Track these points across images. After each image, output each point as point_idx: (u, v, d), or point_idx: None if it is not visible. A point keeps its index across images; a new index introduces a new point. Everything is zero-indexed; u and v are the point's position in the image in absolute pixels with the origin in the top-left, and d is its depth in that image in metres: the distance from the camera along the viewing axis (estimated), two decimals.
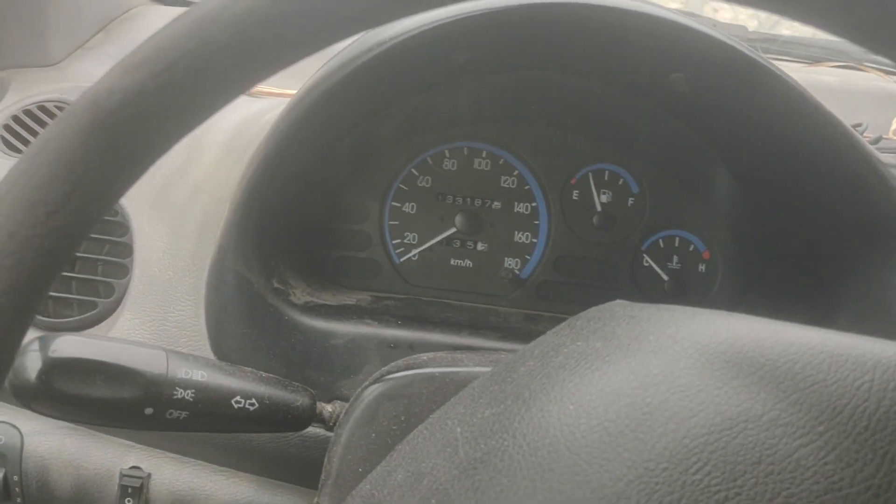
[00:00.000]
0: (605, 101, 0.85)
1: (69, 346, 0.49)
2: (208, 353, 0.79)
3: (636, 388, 0.39)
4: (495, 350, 0.78)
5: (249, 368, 0.58)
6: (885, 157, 0.83)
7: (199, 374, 0.53)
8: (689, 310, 0.44)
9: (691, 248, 0.96)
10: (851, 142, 0.67)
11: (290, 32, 0.32)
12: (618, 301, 0.50)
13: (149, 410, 0.51)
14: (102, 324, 0.87)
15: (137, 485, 0.83)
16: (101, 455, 0.85)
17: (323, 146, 0.84)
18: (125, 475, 0.83)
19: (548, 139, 0.95)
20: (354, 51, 0.68)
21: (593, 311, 0.49)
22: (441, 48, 0.69)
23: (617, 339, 0.44)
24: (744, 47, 0.64)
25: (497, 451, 0.41)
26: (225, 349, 0.78)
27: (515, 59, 0.77)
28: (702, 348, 0.40)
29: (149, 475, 0.84)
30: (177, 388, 0.52)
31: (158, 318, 0.81)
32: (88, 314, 0.88)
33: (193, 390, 0.52)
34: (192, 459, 0.85)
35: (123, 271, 0.88)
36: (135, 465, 0.84)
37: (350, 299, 0.89)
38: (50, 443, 0.86)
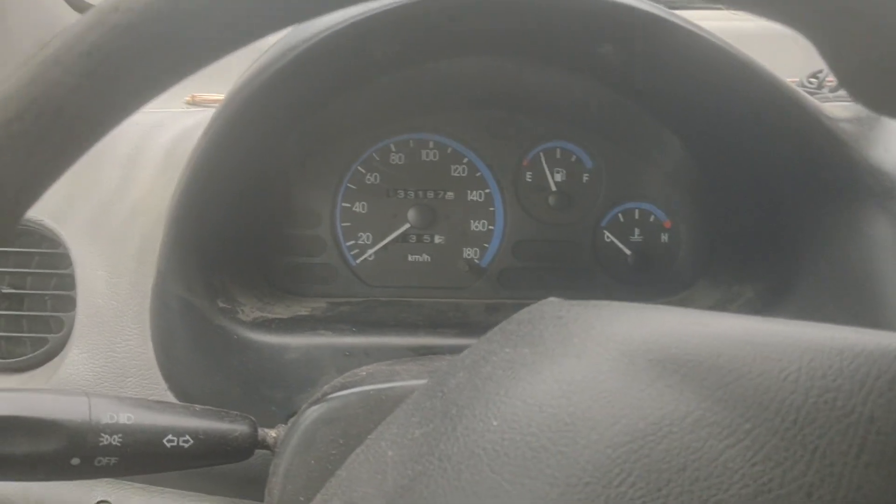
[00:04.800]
0: (544, 81, 0.82)
1: None
2: (160, 381, 0.77)
3: (559, 398, 0.37)
4: (454, 348, 0.76)
5: (182, 403, 0.56)
6: (845, 105, 0.81)
7: (126, 417, 0.50)
8: (615, 306, 0.42)
9: (652, 219, 0.93)
10: (790, 98, 0.64)
11: (140, 67, 0.30)
12: (549, 299, 0.48)
13: (75, 461, 0.49)
14: (54, 360, 0.85)
15: None
16: (67, 492, 0.83)
17: (257, 154, 0.81)
18: None
19: (494, 123, 0.92)
20: (269, 58, 0.66)
21: (524, 312, 0.47)
22: (356, 46, 0.66)
23: (543, 343, 0.42)
24: (661, 11, 0.61)
25: (423, 477, 0.39)
26: (175, 376, 0.75)
27: (438, 49, 0.74)
28: (625, 348, 0.38)
29: None
30: (102, 435, 0.49)
31: (106, 350, 0.79)
32: (39, 351, 0.86)
33: (121, 434, 0.50)
34: (160, 488, 0.82)
35: (71, 304, 0.85)
36: (102, 499, 0.82)
37: (304, 309, 0.86)
38: (14, 483, 0.84)
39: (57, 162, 0.30)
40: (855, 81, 0.32)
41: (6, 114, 0.29)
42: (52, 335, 0.86)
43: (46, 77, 0.29)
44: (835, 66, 0.32)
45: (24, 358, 0.87)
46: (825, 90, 0.97)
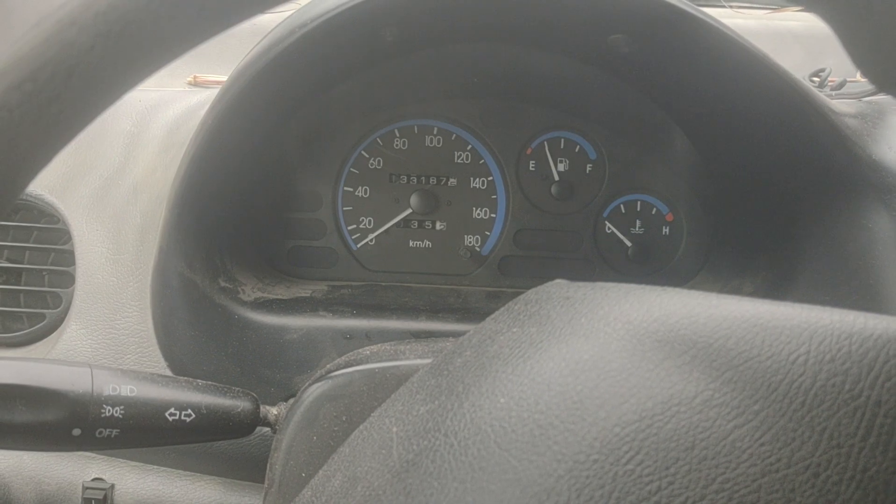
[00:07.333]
0: (552, 70, 0.82)
1: None
2: (159, 358, 0.76)
3: (567, 376, 0.37)
4: (454, 333, 0.76)
5: (185, 377, 0.56)
6: (848, 102, 0.81)
7: (128, 389, 0.50)
8: (623, 287, 0.42)
9: (654, 211, 0.94)
10: (799, 93, 0.64)
11: (158, 30, 0.29)
12: (556, 281, 0.48)
13: (76, 431, 0.49)
14: (52, 335, 0.84)
15: (101, 496, 0.81)
16: (62, 469, 0.83)
17: (262, 135, 0.81)
18: (88, 488, 0.81)
19: (499, 111, 0.92)
20: (277, 35, 0.65)
21: (531, 293, 0.47)
22: (367, 26, 0.66)
23: (551, 322, 0.42)
24: (677, 0, 0.61)
25: (429, 452, 0.39)
26: (175, 353, 0.75)
27: (449, 33, 0.74)
28: (633, 329, 0.38)
29: (112, 486, 0.82)
30: (104, 406, 0.49)
31: (105, 327, 0.79)
32: (37, 326, 0.85)
33: (122, 406, 0.50)
34: (155, 466, 0.82)
35: (70, 280, 0.85)
36: (97, 476, 0.82)
37: (305, 291, 0.86)
38: (8, 460, 0.84)
39: (67, 125, 0.30)
40: (870, 61, 0.32)
41: (19, 73, 0.28)
42: (49, 310, 0.86)
43: (61, 37, 0.28)
44: (850, 46, 0.32)
45: (20, 333, 0.86)
46: (827, 88, 0.97)
